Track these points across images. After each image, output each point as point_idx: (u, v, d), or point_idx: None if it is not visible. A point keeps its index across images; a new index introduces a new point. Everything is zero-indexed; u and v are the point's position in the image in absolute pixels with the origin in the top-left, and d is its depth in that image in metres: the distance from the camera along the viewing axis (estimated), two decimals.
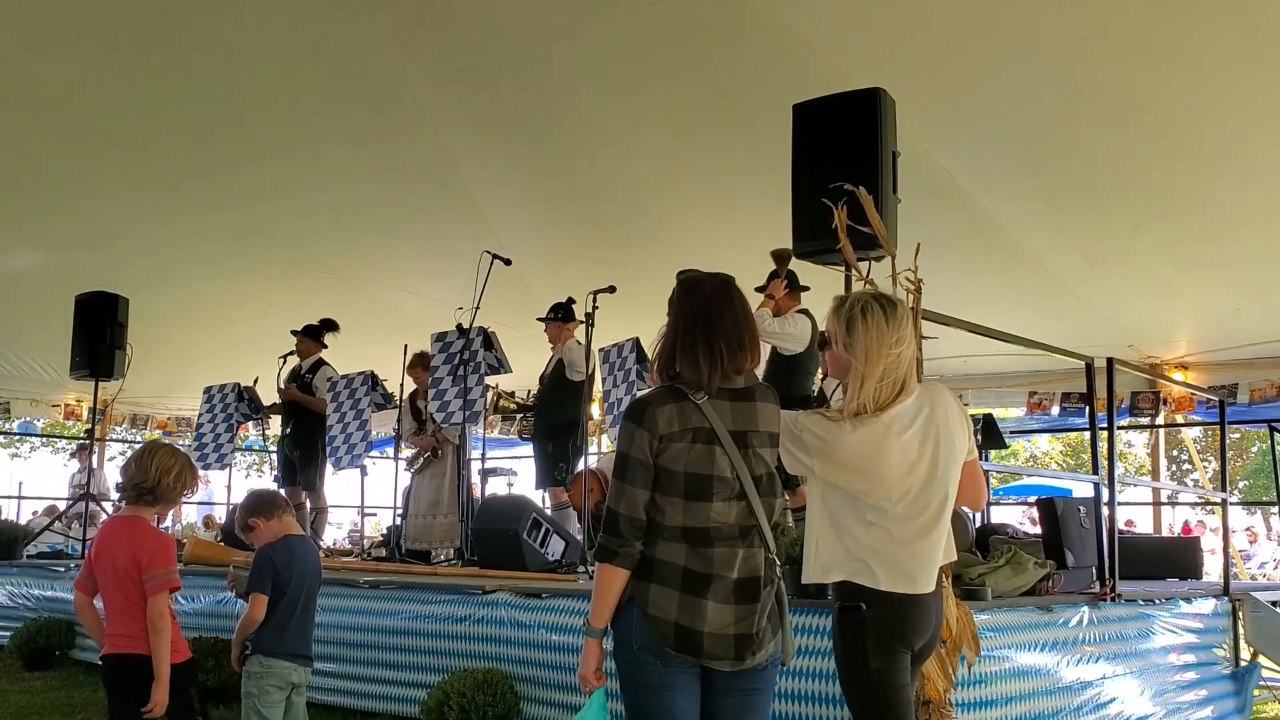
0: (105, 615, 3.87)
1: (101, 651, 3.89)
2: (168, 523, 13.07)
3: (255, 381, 10.00)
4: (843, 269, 5.32)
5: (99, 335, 10.04)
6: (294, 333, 9.72)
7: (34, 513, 14.83)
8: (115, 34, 8.33)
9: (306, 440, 9.45)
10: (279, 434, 10.03)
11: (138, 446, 4.11)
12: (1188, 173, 7.94)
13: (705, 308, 2.93)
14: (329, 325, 9.69)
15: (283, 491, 8.23)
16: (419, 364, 8.99)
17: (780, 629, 2.95)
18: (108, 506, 12.74)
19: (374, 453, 13.35)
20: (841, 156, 5.35)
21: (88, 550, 3.99)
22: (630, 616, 2.87)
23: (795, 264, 6.97)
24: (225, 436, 10.28)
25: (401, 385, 9.20)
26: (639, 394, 7.66)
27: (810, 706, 4.37)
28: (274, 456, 10.32)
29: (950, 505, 3.15)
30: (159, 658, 3.74)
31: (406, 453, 9.34)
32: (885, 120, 5.42)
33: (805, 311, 7.46)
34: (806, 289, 7.51)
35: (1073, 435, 23.64)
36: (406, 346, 9.12)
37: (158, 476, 3.84)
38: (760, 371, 3.64)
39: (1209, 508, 16.42)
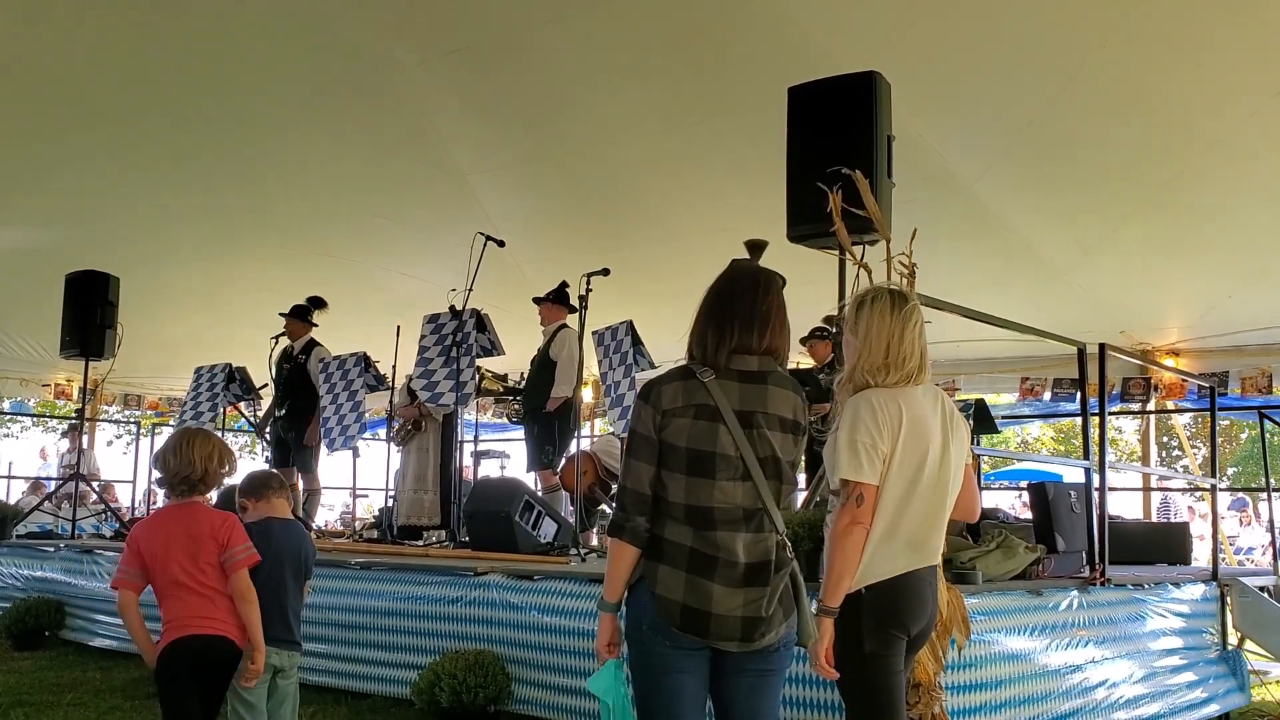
0: (167, 607, 3.78)
1: (171, 638, 3.75)
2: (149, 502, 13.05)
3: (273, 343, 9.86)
4: (837, 253, 5.33)
5: (89, 315, 10.00)
6: (283, 315, 9.70)
7: (22, 493, 14.79)
8: (108, 12, 8.28)
9: (302, 422, 9.42)
10: (272, 415, 10.00)
11: (169, 436, 4.08)
12: (1180, 159, 7.95)
13: (729, 292, 3.01)
14: (316, 303, 9.66)
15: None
16: None
17: (794, 611, 2.96)
18: (97, 486, 12.74)
19: (366, 434, 13.35)
20: (836, 140, 5.35)
21: (133, 549, 3.81)
22: (641, 596, 2.91)
23: (789, 249, 6.95)
24: (208, 417, 10.28)
25: (394, 366, 9.19)
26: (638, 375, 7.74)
27: (810, 690, 4.39)
28: (266, 437, 10.29)
29: (956, 491, 3.19)
30: (255, 629, 3.81)
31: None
32: (880, 104, 5.41)
33: None
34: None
35: (1064, 421, 23.68)
36: (400, 328, 9.10)
37: (203, 466, 3.86)
38: None
39: (1199, 494, 16.49)
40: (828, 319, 8.15)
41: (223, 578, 3.80)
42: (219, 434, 10.49)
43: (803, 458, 3.14)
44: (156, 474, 4.02)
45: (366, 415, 9.42)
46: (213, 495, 4.11)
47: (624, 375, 7.72)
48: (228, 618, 3.80)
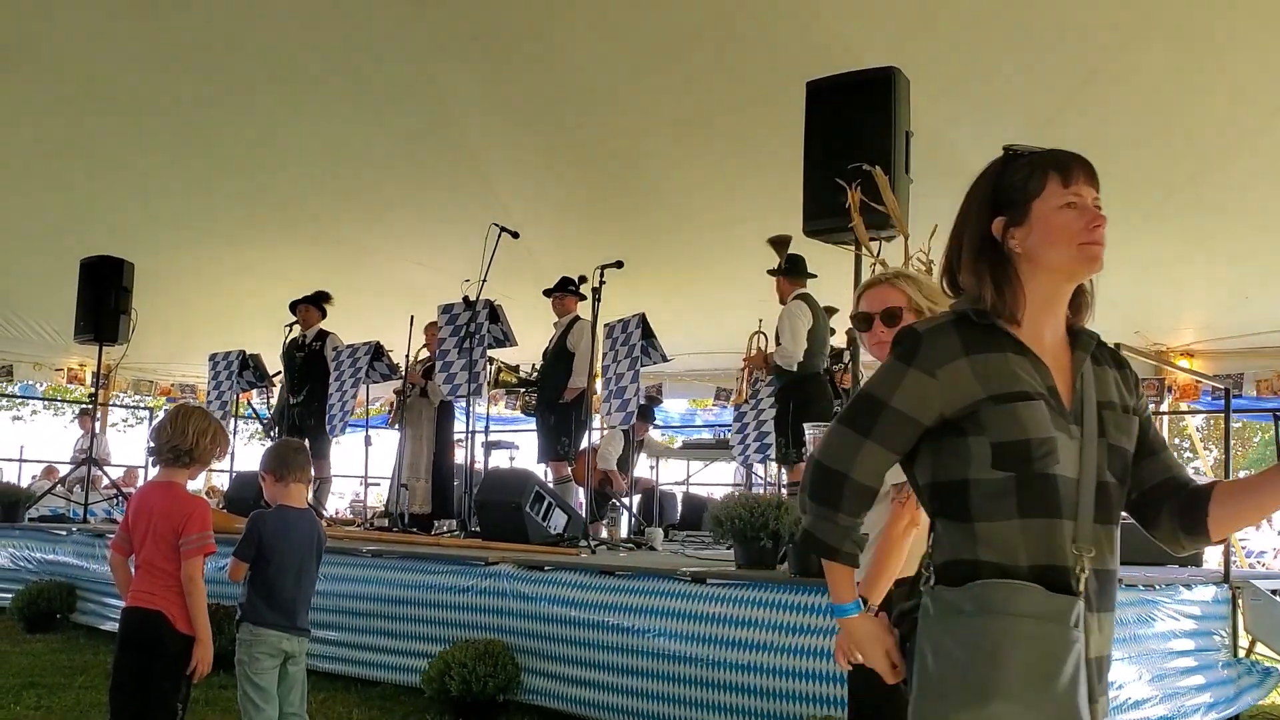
0: (135, 574, 3.90)
1: (125, 605, 3.92)
2: None
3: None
4: (853, 248, 5.31)
5: (103, 299, 10.04)
6: (293, 305, 9.73)
7: (33, 477, 14.85)
8: None
9: (323, 409, 9.42)
10: (286, 401, 10.03)
11: (169, 409, 4.14)
12: (1200, 159, 7.90)
13: None
14: (323, 297, 9.72)
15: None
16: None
17: None
18: (111, 471, 12.79)
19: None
20: (854, 135, 5.33)
21: (124, 513, 4.03)
22: None
23: (801, 243, 6.97)
24: (215, 405, 10.34)
25: (406, 356, 9.21)
26: (643, 369, 7.75)
27: (814, 685, 4.38)
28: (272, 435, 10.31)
29: None
30: (199, 621, 3.77)
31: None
32: (899, 100, 5.39)
33: (804, 296, 7.57)
34: (813, 276, 7.60)
35: None
36: (413, 317, 9.11)
37: (195, 439, 3.86)
38: None
39: None
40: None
41: (173, 558, 3.79)
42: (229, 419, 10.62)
43: None
44: (150, 442, 4.03)
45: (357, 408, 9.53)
46: (199, 476, 4.12)
47: (628, 368, 7.71)
48: (167, 595, 3.78)
